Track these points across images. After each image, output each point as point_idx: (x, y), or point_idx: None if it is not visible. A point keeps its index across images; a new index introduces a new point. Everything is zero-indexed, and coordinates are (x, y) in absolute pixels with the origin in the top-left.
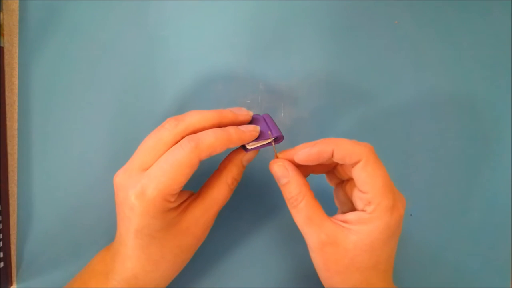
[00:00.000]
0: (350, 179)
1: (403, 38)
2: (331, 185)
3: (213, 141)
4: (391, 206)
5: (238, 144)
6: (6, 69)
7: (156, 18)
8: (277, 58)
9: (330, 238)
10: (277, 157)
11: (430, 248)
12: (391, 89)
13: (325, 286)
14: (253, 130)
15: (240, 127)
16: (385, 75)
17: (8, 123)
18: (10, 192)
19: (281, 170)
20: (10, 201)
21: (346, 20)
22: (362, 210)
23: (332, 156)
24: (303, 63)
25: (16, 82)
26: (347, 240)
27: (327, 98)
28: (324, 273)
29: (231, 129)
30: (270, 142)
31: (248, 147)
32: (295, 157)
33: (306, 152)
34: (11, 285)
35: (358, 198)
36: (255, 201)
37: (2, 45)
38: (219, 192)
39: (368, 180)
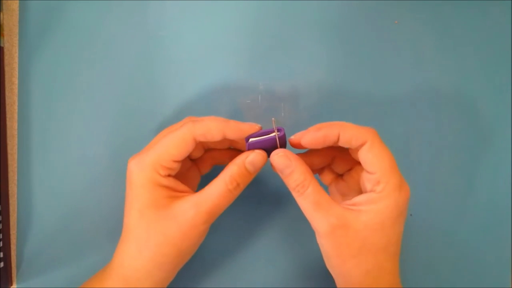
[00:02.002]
0: (351, 168)
1: (403, 38)
2: (325, 183)
3: (209, 122)
4: (399, 184)
5: (236, 133)
6: (6, 69)
7: (156, 18)
8: (277, 58)
9: (340, 221)
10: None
11: (429, 248)
12: (391, 89)
13: (335, 274)
14: (253, 123)
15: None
16: (385, 75)
17: (8, 123)
18: (10, 192)
19: (284, 160)
20: (10, 201)
21: (346, 20)
22: (371, 191)
23: (338, 139)
24: (303, 63)
25: (16, 82)
26: (357, 221)
27: (327, 98)
28: (335, 260)
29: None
30: (274, 137)
31: (250, 141)
32: (301, 140)
33: (312, 135)
34: (11, 285)
35: (366, 180)
36: (255, 200)
37: (2, 45)
38: (214, 189)
39: (375, 161)
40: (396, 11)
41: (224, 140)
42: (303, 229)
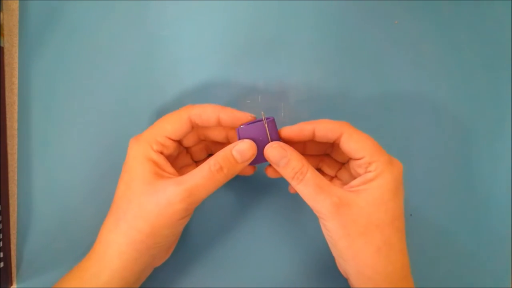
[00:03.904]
0: (341, 168)
1: (403, 38)
2: (332, 175)
3: (206, 105)
4: (389, 159)
5: (230, 118)
6: (6, 69)
7: (156, 18)
8: (277, 58)
9: (343, 200)
10: (270, 140)
11: (429, 248)
12: (391, 88)
13: (345, 260)
14: (248, 113)
15: None
16: (385, 75)
17: (8, 123)
18: (10, 192)
19: (279, 151)
20: (10, 201)
21: (347, 20)
22: (366, 173)
23: (314, 134)
24: (303, 63)
25: (16, 82)
26: (358, 199)
27: (327, 98)
28: (343, 242)
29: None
30: (263, 125)
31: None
32: (281, 132)
33: (288, 128)
34: (11, 285)
35: (357, 167)
36: (255, 200)
37: (2, 45)
38: (197, 170)
39: (358, 146)
40: (396, 11)
41: (220, 129)
42: (298, 226)
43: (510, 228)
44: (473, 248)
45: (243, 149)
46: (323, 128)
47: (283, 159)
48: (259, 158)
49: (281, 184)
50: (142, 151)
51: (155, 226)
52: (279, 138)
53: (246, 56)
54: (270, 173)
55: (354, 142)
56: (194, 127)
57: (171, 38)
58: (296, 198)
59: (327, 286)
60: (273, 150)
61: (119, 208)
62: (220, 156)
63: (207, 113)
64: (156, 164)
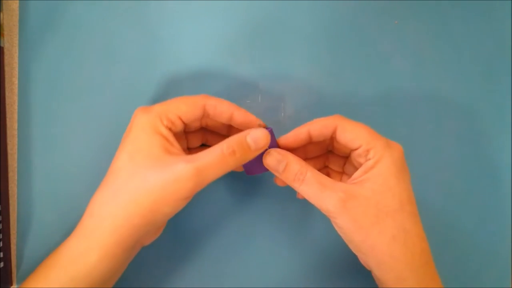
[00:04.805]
0: (345, 163)
1: (403, 38)
2: (340, 171)
3: (222, 99)
4: (386, 143)
5: (242, 118)
6: (6, 69)
7: (156, 18)
8: (277, 58)
9: (348, 194)
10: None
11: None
12: (391, 89)
13: (364, 254)
14: (259, 119)
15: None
16: (385, 75)
17: (8, 123)
18: (10, 192)
19: (276, 156)
20: (10, 201)
21: (347, 20)
22: (366, 161)
23: (310, 136)
24: (303, 63)
25: (16, 82)
26: (363, 189)
27: (327, 98)
28: (357, 236)
29: None
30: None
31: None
32: (279, 142)
33: (284, 137)
34: (11, 285)
35: (357, 157)
36: (255, 201)
37: (2, 45)
38: (208, 151)
39: (353, 135)
40: (396, 11)
41: (224, 126)
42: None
43: (510, 228)
44: (473, 248)
45: (258, 136)
46: (317, 127)
47: (281, 164)
48: (260, 168)
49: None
50: (152, 123)
51: (158, 202)
52: (278, 147)
53: (246, 56)
54: (278, 182)
55: (349, 132)
56: (204, 115)
57: (171, 38)
58: (295, 197)
59: (327, 286)
60: (270, 157)
61: (118, 179)
62: (233, 140)
63: (222, 107)
64: (165, 139)
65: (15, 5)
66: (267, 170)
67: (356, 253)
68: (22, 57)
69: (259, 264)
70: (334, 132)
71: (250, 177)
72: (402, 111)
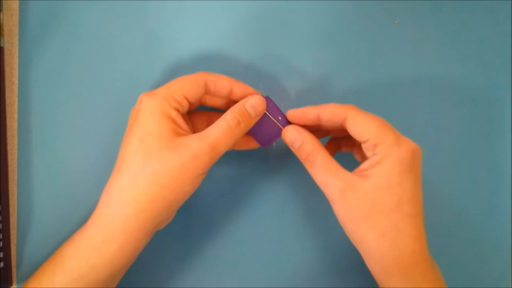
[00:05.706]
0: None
1: (403, 38)
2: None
3: (220, 75)
4: (395, 140)
5: (242, 91)
6: (6, 69)
7: (156, 18)
8: (277, 58)
9: (349, 184)
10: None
11: (429, 248)
12: (391, 89)
13: (355, 243)
14: (257, 91)
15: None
16: (385, 75)
17: (8, 123)
18: (10, 192)
19: (294, 134)
20: (10, 201)
21: (347, 20)
22: (373, 156)
23: (319, 118)
24: (303, 63)
25: (16, 82)
26: (365, 184)
27: (328, 98)
28: (349, 226)
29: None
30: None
31: None
32: (287, 114)
33: (293, 110)
34: (11, 285)
35: (366, 150)
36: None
37: (2, 45)
38: (216, 125)
39: (362, 129)
40: (396, 11)
41: (225, 101)
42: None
43: (510, 228)
44: (473, 248)
45: (256, 103)
46: (328, 112)
47: (296, 142)
48: (270, 135)
49: (285, 174)
50: (160, 106)
51: (178, 181)
52: (280, 114)
53: (246, 56)
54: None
55: (358, 125)
56: (206, 92)
57: (171, 38)
58: (301, 190)
59: (329, 286)
60: (288, 133)
61: (133, 165)
62: (235, 111)
63: (222, 82)
64: (174, 121)
65: (15, 5)
66: (277, 137)
67: (351, 240)
68: (22, 57)
69: (263, 264)
70: (344, 122)
71: (253, 175)
72: (402, 111)
